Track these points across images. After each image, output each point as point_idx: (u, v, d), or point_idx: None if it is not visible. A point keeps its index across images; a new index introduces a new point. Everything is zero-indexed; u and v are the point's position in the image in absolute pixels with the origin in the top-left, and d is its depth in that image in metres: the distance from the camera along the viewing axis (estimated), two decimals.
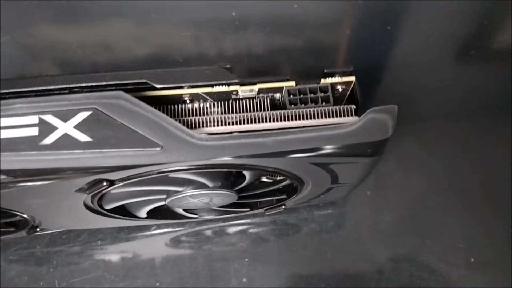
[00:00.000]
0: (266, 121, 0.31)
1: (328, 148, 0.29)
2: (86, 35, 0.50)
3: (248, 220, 0.45)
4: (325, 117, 0.31)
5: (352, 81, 0.32)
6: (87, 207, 0.33)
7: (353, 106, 0.31)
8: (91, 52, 0.49)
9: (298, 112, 0.31)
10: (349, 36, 0.49)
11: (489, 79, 0.49)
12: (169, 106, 0.31)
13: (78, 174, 0.28)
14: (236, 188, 0.34)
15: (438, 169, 0.46)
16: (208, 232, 0.44)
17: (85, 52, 0.49)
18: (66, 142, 0.27)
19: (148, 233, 0.44)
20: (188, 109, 0.31)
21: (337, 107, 0.31)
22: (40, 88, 0.29)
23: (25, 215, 0.35)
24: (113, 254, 0.43)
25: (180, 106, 0.31)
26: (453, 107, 0.49)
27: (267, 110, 0.31)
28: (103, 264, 0.43)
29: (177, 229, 0.44)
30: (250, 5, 0.49)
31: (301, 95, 0.31)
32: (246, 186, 0.35)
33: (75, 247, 0.43)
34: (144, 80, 0.30)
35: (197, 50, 0.50)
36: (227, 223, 0.44)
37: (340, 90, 0.32)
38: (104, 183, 0.29)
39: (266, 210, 0.41)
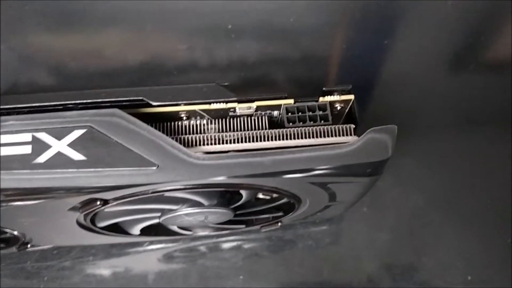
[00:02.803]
0: (263, 140, 0.30)
1: (327, 168, 0.29)
2: (81, 44, 0.49)
3: (243, 236, 0.44)
4: (324, 136, 0.30)
5: (350, 99, 0.32)
6: (80, 225, 0.33)
7: (352, 126, 0.31)
8: (85, 61, 0.48)
9: (296, 130, 0.30)
10: (346, 50, 0.49)
11: (489, 94, 0.49)
12: (165, 124, 0.31)
13: (72, 194, 0.27)
14: (232, 206, 0.34)
15: (436, 185, 0.45)
16: (203, 248, 0.44)
17: (80, 61, 0.48)
18: (60, 160, 0.26)
19: (141, 248, 0.43)
20: (185, 126, 0.31)
21: (336, 126, 0.30)
22: (33, 104, 0.29)
23: (15, 232, 0.34)
24: (105, 270, 0.43)
25: (176, 123, 0.31)
26: (452, 123, 0.49)
27: (265, 128, 0.31)
28: (94, 280, 0.42)
29: (170, 245, 0.44)
30: (247, 18, 0.49)
31: (300, 113, 0.31)
32: (243, 204, 0.34)
33: (66, 262, 0.43)
34: (141, 97, 0.29)
35: (192, 61, 0.49)
36: (221, 239, 0.44)
37: (339, 108, 0.32)
38: (98, 203, 0.28)
39: (262, 227, 0.40)
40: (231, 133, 0.30)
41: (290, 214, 0.37)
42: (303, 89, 0.48)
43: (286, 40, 0.49)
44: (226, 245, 0.44)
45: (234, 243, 0.44)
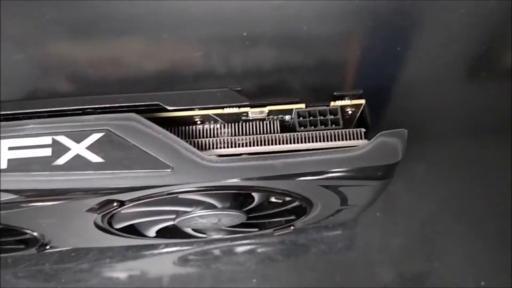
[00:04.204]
0: (275, 143, 0.31)
1: (338, 171, 0.29)
2: (98, 52, 0.50)
3: (257, 240, 0.44)
4: (335, 140, 0.31)
5: (361, 104, 0.32)
6: (97, 226, 0.34)
7: (363, 129, 0.31)
8: (102, 69, 0.50)
9: (308, 134, 0.31)
10: (358, 57, 0.50)
11: (501, 102, 0.49)
12: (180, 128, 0.32)
13: (90, 195, 0.28)
14: (245, 209, 0.34)
15: (448, 191, 0.45)
16: (217, 252, 0.44)
17: (97, 69, 0.49)
18: (79, 163, 0.27)
19: (156, 251, 0.44)
20: (199, 130, 0.32)
21: (347, 130, 0.31)
22: (53, 108, 0.30)
23: (35, 233, 0.35)
24: (121, 272, 0.43)
25: (191, 127, 0.32)
26: (464, 129, 0.48)
27: (277, 132, 0.32)
28: (110, 282, 0.43)
29: (185, 248, 0.44)
30: (261, 25, 0.50)
31: (311, 118, 0.32)
32: (255, 207, 0.35)
33: (83, 264, 0.43)
34: (157, 102, 0.30)
35: (207, 69, 0.50)
36: (235, 243, 0.44)
37: (350, 112, 0.33)
38: (115, 204, 0.29)
39: (274, 230, 0.40)
40: (244, 137, 0.31)
41: (302, 217, 0.37)
42: (316, 95, 0.49)
43: (299, 48, 0.50)
44: (239, 249, 0.44)
45: (248, 247, 0.44)
